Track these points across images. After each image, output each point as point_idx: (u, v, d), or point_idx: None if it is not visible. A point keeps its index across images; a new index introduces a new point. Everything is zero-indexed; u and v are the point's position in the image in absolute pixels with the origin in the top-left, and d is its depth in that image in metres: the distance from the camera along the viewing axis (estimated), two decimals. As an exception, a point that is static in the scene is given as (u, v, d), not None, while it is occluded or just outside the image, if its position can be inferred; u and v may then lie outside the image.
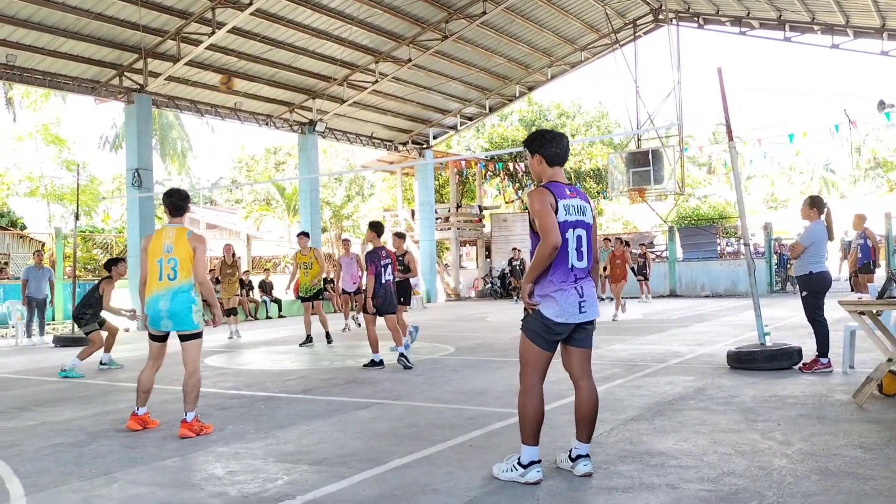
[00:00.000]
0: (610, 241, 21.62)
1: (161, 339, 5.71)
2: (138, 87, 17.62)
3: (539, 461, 4.01)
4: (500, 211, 31.83)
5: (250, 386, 7.89)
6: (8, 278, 18.91)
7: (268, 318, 20.55)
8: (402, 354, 8.84)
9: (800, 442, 4.69)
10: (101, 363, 9.72)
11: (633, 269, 22.17)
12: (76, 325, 10.17)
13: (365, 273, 9.48)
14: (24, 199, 28.39)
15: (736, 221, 26.98)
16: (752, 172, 49.53)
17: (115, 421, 6.07)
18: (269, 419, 5.99)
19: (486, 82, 24.73)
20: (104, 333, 9.70)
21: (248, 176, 41.19)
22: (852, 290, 13.66)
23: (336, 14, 18.21)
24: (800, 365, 7.68)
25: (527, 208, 4.05)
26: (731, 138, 8.61)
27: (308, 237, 12.86)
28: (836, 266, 21.86)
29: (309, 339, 12.01)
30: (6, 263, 21.05)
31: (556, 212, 3.98)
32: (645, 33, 24.57)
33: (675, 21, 23.29)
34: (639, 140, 24.47)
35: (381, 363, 8.92)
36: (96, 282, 9.93)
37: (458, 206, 29.90)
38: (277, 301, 21.16)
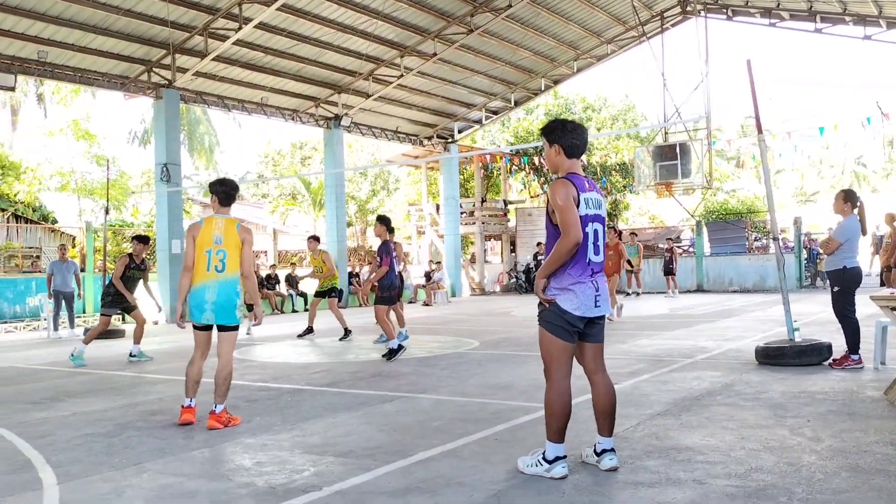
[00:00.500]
0: (636, 235, 21.49)
1: (205, 328, 5.60)
2: (166, 82, 17.81)
3: (565, 457, 3.99)
4: (525, 205, 31.72)
5: (277, 378, 7.96)
6: (40, 271, 19.23)
7: (294, 311, 20.72)
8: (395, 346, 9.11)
9: (829, 438, 4.63)
10: (130, 355, 9.86)
11: (665, 262, 22.03)
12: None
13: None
14: (55, 193, 28.83)
15: (764, 216, 26.63)
16: (782, 166, 48.85)
17: (144, 412, 6.16)
18: (295, 411, 6.04)
19: (512, 76, 24.65)
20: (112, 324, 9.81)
21: (275, 171, 41.47)
22: (882, 285, 13.43)
23: (361, 9, 18.26)
24: (830, 361, 7.57)
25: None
26: (760, 131, 8.49)
27: (318, 241, 12.81)
28: (867, 261, 21.56)
29: (309, 329, 12.41)
30: (38, 257, 21.44)
31: (578, 205, 3.94)
32: (672, 25, 24.32)
33: (703, 13, 23.03)
34: (666, 133, 24.25)
35: (400, 348, 9.09)
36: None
37: (483, 201, 29.85)
38: (303, 294, 21.32)
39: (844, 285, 7.39)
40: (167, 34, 16.66)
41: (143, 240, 10.00)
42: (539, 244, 25.56)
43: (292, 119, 21.94)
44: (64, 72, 16.80)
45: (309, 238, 13.02)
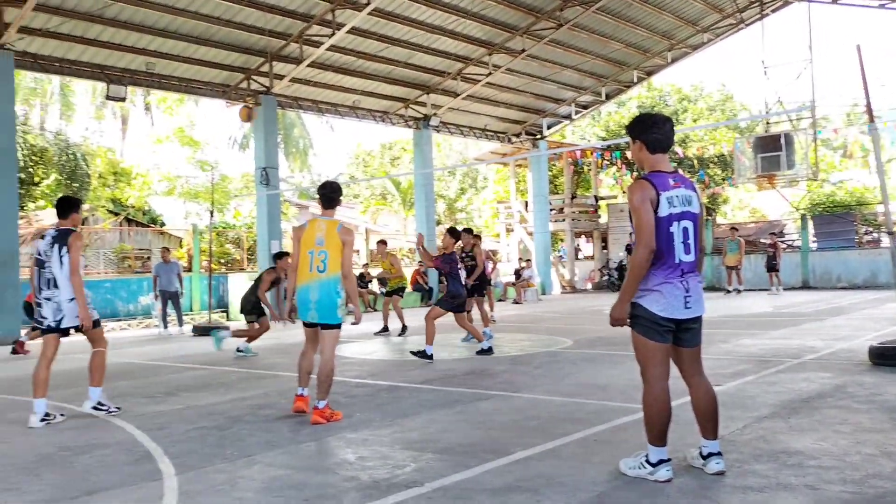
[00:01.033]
0: (737, 230, 20.73)
1: (312, 325, 5.79)
2: (264, 89, 18.46)
3: (669, 459, 3.91)
4: (617, 201, 31.14)
5: (373, 375, 8.14)
6: (150, 272, 20.32)
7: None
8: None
9: (956, 445, 4.35)
10: (237, 350, 10.32)
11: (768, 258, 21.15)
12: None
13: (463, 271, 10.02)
14: (163, 197, 30.43)
15: (875, 208, 25.17)
16: (894, 155, 46.01)
17: (252, 406, 6.43)
18: (393, 408, 6.16)
19: (603, 69, 24.26)
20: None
21: (365, 171, 42.32)
22: None
23: (450, 9, 18.39)
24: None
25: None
26: (871, 119, 8.04)
27: (385, 244, 13.37)
28: None
29: (385, 329, 12.78)
30: (148, 258, 22.66)
31: (658, 206, 3.82)
32: (773, 11, 23.33)
33: (805, -4, 21.97)
34: (767, 124, 23.29)
35: (430, 357, 9.04)
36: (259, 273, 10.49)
37: (573, 197, 29.51)
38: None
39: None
40: (265, 42, 17.28)
41: (287, 256, 10.32)
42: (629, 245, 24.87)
43: (382, 121, 22.33)
44: (170, 82, 17.68)
45: (378, 242, 13.43)
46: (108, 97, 16.76)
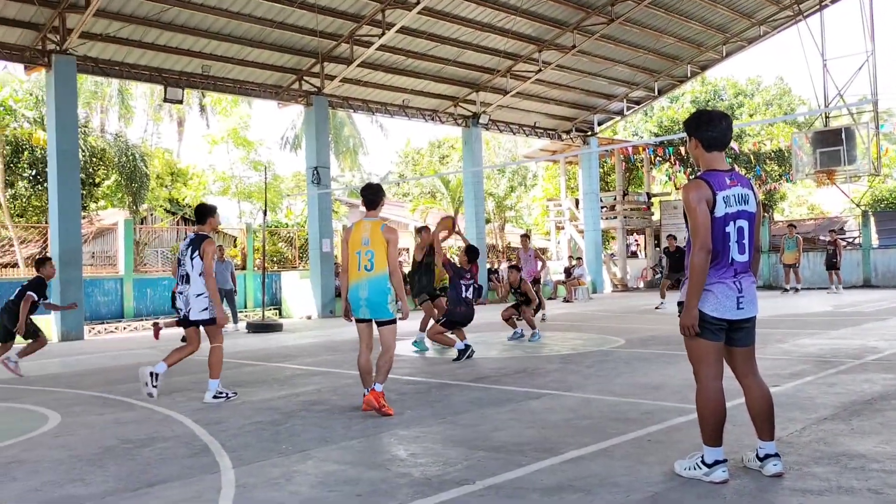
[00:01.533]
0: (795, 227, 20.22)
1: (365, 320, 6.04)
2: (316, 89, 18.71)
3: (725, 461, 3.85)
4: (670, 198, 30.64)
5: (424, 373, 8.18)
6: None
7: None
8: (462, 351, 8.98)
9: None
10: (414, 342, 10.27)
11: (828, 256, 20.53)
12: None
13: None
14: (218, 197, 31.05)
15: (942, 203, 24.23)
16: (962, 148, 44.17)
17: (305, 402, 6.53)
18: (444, 405, 6.19)
19: (655, 64, 23.88)
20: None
21: (414, 170, 42.48)
22: None
23: (499, 6, 18.34)
24: None
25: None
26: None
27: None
28: None
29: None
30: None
31: (715, 206, 3.76)
32: (832, 1, 22.61)
33: (867, -15, 21.25)
34: (827, 118, 22.62)
35: (468, 348, 8.98)
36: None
37: (625, 194, 29.12)
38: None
39: None
40: (316, 44, 17.50)
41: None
42: (669, 237, 23.57)
43: (432, 119, 22.39)
44: (224, 84, 18.06)
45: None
46: (165, 99, 17.21)
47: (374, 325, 6.01)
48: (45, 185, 18.90)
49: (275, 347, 10.60)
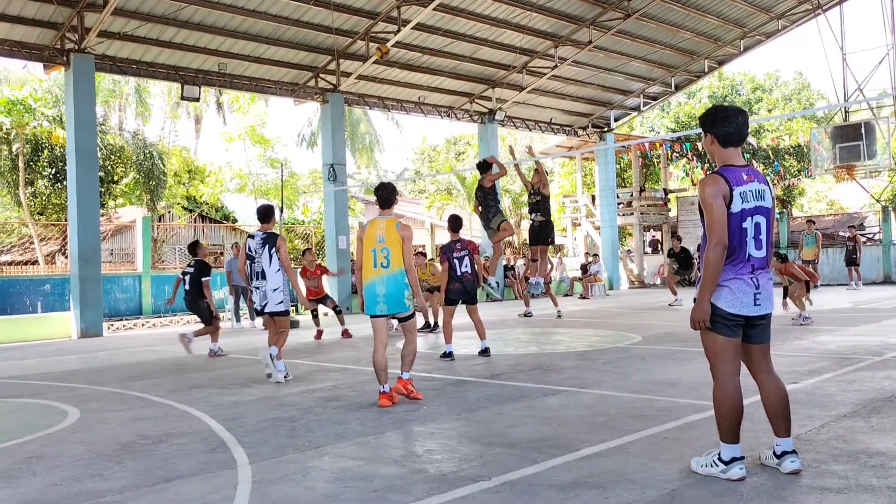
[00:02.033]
0: (814, 223, 19.99)
1: (380, 316, 6.16)
2: (332, 87, 18.76)
3: (742, 458, 3.82)
4: (687, 194, 30.43)
5: (440, 369, 8.18)
6: (223, 267, 20.93)
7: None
8: (484, 349, 8.87)
9: None
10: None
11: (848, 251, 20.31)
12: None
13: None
14: (235, 194, 31.25)
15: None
16: None
17: (322, 399, 6.56)
18: (460, 402, 6.19)
19: (672, 59, 23.72)
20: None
21: (430, 167, 42.50)
22: None
23: (515, 2, 18.31)
24: None
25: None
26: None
27: (424, 256, 13.71)
28: None
29: (427, 325, 12.72)
30: (221, 254, 23.32)
31: (731, 202, 3.74)
32: (852, -6, 22.35)
33: (888, -23, 20.98)
34: (846, 112, 22.37)
35: (450, 355, 8.79)
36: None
37: (642, 190, 28.96)
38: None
39: None
40: (332, 41, 17.54)
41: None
42: (674, 237, 23.00)
43: (448, 116, 22.38)
44: (241, 81, 18.15)
45: (415, 254, 13.31)
46: (182, 97, 17.33)
47: (397, 321, 6.25)
48: (65, 183, 19.09)
49: (291, 344, 10.61)
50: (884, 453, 4.15)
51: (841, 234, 24.22)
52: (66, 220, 18.02)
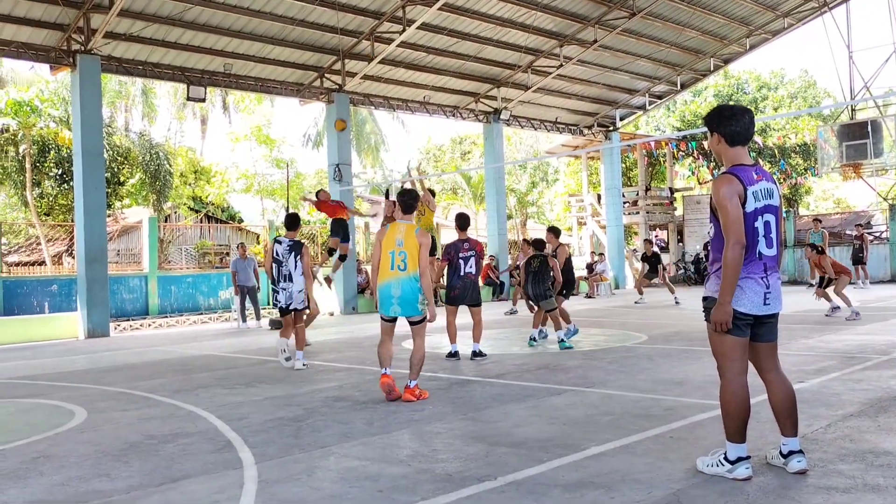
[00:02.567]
0: (820, 221, 19.92)
1: (391, 320, 6.39)
2: (337, 87, 18.77)
3: (748, 457, 3.81)
4: (693, 193, 30.37)
5: (445, 369, 8.18)
6: (228, 267, 20.98)
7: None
8: (475, 352, 8.78)
9: None
10: (560, 341, 9.67)
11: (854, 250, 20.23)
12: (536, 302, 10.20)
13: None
14: (241, 194, 31.35)
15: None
16: None
17: (328, 398, 6.57)
18: (465, 401, 6.19)
19: (677, 58, 23.66)
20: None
21: (436, 166, 42.48)
22: None
23: (520, 1, 18.28)
24: None
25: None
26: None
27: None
28: None
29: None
30: (227, 254, 23.37)
31: (745, 201, 3.73)
32: (858, -8, 22.26)
33: (895, -25, 20.88)
34: (853, 111, 22.28)
35: (455, 354, 8.81)
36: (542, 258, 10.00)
37: (648, 189, 28.91)
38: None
39: None
40: (337, 41, 17.56)
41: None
42: (646, 241, 23.12)
43: (453, 115, 22.38)
44: (246, 82, 18.18)
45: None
46: (188, 98, 17.36)
47: (408, 324, 6.35)
48: (71, 183, 19.16)
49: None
50: (891, 453, 4.14)
51: (848, 232, 24.11)
52: (72, 221, 18.09)
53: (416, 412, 5.77)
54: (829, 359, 7.64)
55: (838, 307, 12.10)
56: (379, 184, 35.24)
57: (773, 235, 3.83)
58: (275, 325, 15.06)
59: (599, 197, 28.10)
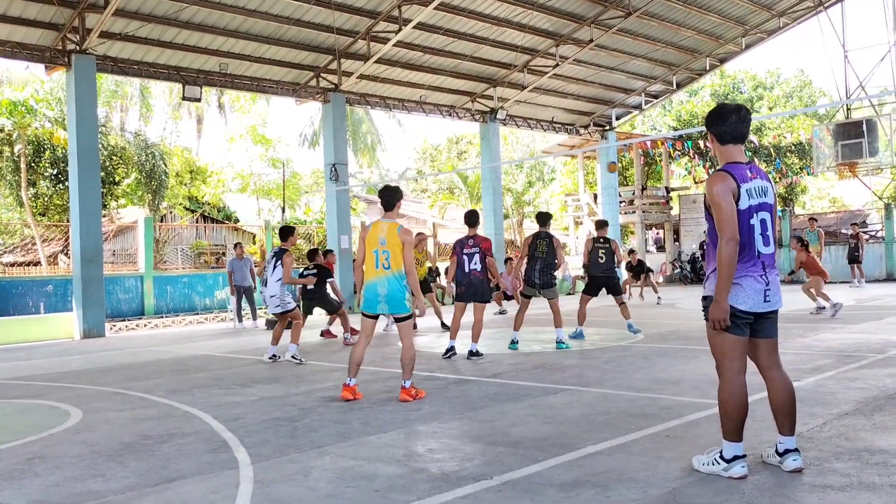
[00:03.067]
0: (816, 220, 19.96)
1: (373, 317, 6.39)
2: (333, 86, 18.76)
3: (744, 456, 3.81)
4: (689, 192, 30.41)
5: (442, 368, 8.18)
6: (225, 267, 20.94)
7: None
8: (472, 352, 8.69)
9: None
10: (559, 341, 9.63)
11: (853, 249, 20.26)
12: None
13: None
14: (237, 194, 31.25)
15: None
16: None
17: (324, 399, 6.56)
18: (462, 401, 6.19)
19: (673, 57, 23.69)
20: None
21: (433, 166, 42.50)
22: None
23: (516, 0, 18.28)
24: None
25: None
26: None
27: (424, 236, 13.96)
28: None
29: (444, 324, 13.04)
30: (223, 254, 23.33)
31: (739, 199, 3.75)
32: (854, -9, 22.31)
33: (890, -26, 20.93)
34: (848, 110, 22.33)
35: (452, 350, 8.81)
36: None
37: (644, 189, 28.94)
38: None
39: None
40: (333, 41, 17.54)
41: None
42: (631, 252, 22.95)
43: (449, 115, 22.37)
44: (242, 81, 18.16)
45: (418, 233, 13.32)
46: (184, 98, 17.32)
47: (394, 322, 6.30)
48: (67, 183, 19.12)
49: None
50: (886, 451, 4.14)
51: (843, 231, 24.19)
52: (68, 221, 18.04)
53: (413, 412, 5.77)
54: (825, 357, 7.66)
55: (824, 307, 12.19)
56: (376, 184, 35.24)
57: (770, 233, 3.85)
58: (270, 325, 15.04)
59: (596, 196, 28.12)
